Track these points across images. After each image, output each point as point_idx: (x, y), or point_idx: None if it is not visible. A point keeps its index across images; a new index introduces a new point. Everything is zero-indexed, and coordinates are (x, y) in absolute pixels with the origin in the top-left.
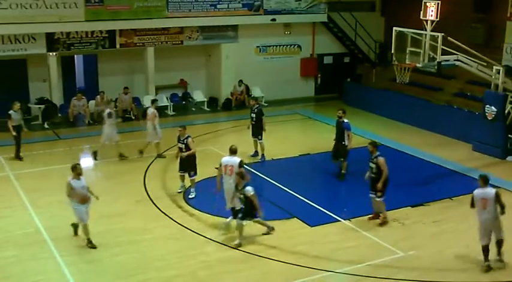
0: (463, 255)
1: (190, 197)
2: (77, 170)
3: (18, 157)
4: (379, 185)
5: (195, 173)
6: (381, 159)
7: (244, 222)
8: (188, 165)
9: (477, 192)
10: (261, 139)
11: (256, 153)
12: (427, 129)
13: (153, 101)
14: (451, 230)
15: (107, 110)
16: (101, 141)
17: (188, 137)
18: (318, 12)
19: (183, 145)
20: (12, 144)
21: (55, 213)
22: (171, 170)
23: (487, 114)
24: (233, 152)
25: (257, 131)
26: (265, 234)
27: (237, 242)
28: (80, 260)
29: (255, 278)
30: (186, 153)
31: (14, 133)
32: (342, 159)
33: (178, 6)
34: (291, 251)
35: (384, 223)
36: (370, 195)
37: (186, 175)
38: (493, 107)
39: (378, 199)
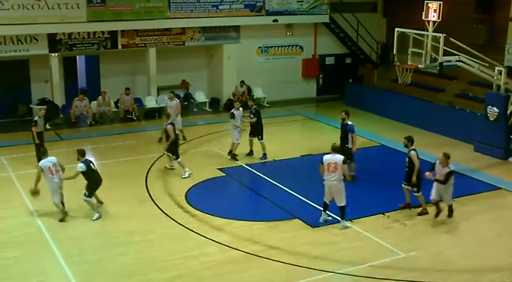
0: (464, 257)
1: (183, 176)
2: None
3: None
4: (414, 178)
5: (177, 157)
6: (413, 153)
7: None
8: (170, 149)
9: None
10: (261, 139)
11: (251, 152)
12: (428, 130)
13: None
14: (452, 231)
15: None
16: None
17: (168, 124)
18: (319, 13)
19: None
20: (14, 145)
21: (56, 214)
22: (172, 171)
23: (488, 115)
24: (335, 150)
25: (256, 131)
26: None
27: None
28: (81, 260)
29: (256, 279)
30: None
31: (38, 141)
32: (349, 161)
33: (180, 7)
34: (292, 251)
35: (422, 213)
36: (403, 185)
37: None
38: (494, 108)
39: (416, 194)
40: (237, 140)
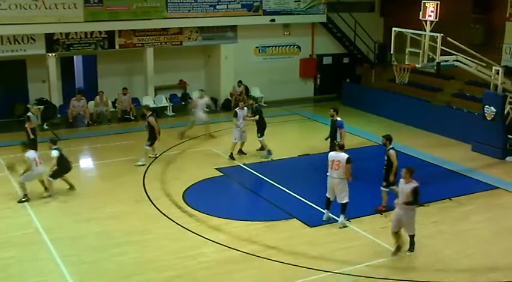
0: (461, 256)
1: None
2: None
3: None
4: (391, 178)
5: (149, 145)
6: (391, 152)
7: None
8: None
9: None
10: (260, 137)
11: (269, 152)
12: (426, 129)
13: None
14: (450, 230)
15: None
16: None
17: (149, 116)
18: (317, 13)
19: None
20: (10, 145)
21: (54, 214)
22: (171, 171)
23: (486, 114)
24: (341, 147)
25: (258, 129)
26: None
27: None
28: (79, 260)
29: (254, 279)
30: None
31: (32, 136)
32: None
33: (177, 6)
34: (290, 251)
35: (378, 211)
36: (382, 188)
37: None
38: (492, 108)
39: (382, 188)
40: (235, 139)
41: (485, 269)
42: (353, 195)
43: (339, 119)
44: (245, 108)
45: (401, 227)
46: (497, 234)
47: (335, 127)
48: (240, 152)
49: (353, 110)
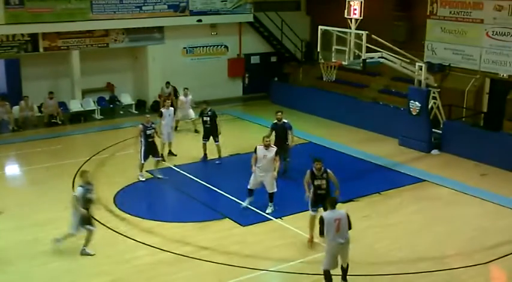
0: (392, 249)
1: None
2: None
3: None
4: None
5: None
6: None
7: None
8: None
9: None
10: (217, 141)
11: (205, 157)
12: (354, 125)
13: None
14: (380, 224)
15: None
16: None
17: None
18: (243, 13)
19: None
20: None
21: None
22: (101, 175)
23: (411, 109)
24: (267, 146)
25: (212, 133)
26: None
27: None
28: (6, 270)
29: (189, 280)
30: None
31: None
32: (288, 159)
33: (102, 8)
34: (224, 251)
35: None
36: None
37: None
38: (417, 103)
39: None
40: (163, 140)
41: (415, 260)
42: (284, 193)
43: (286, 121)
44: (171, 108)
45: None
46: (425, 226)
47: (285, 129)
48: (170, 153)
49: (282, 108)
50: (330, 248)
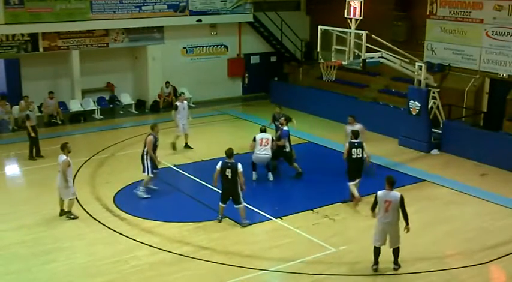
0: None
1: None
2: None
3: (39, 155)
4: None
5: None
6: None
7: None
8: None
9: (381, 193)
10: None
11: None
12: None
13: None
14: None
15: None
16: None
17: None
18: (243, 12)
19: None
20: None
21: None
22: (100, 175)
23: (411, 109)
24: (263, 130)
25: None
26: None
27: None
28: (6, 270)
29: (189, 280)
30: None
31: (33, 134)
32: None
33: (102, 8)
34: (224, 251)
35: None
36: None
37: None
38: (416, 103)
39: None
40: (179, 132)
41: (414, 260)
42: (284, 193)
43: (285, 128)
44: (185, 101)
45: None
46: (425, 226)
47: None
48: (186, 146)
49: (282, 109)
50: (377, 225)
